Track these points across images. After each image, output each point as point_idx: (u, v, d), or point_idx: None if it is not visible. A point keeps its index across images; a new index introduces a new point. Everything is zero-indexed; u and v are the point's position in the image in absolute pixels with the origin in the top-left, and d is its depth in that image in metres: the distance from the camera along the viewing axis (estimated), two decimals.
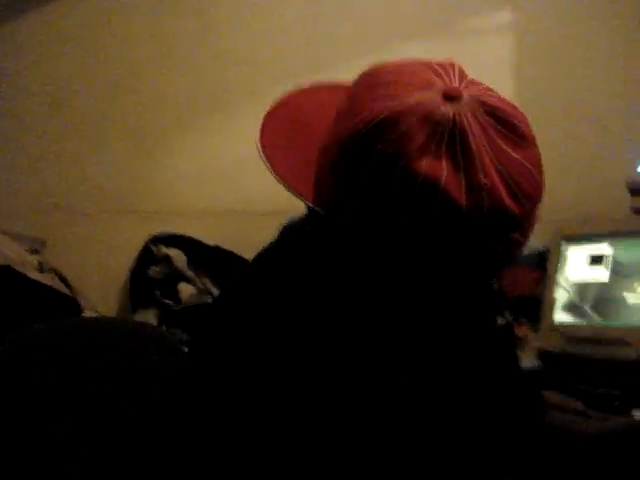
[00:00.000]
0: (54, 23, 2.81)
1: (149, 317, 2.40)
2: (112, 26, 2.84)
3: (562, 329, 2.26)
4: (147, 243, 2.64)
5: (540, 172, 0.93)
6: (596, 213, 2.70)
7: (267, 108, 2.76)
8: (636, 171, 2.46)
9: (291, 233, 1.10)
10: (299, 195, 0.95)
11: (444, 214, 0.82)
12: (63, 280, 2.56)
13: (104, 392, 1.29)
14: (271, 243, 1.12)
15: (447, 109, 0.86)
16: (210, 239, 2.67)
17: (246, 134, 2.99)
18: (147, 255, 2.62)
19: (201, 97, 2.86)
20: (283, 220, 2.75)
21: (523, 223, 0.89)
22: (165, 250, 2.59)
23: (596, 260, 2.26)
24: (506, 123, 0.88)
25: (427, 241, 0.85)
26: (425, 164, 0.82)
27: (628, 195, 2.44)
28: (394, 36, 2.91)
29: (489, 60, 2.91)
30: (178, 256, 2.57)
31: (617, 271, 2.19)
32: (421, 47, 2.91)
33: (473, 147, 0.83)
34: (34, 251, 2.61)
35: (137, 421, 1.10)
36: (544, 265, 2.49)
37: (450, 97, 0.88)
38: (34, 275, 2.40)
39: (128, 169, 2.81)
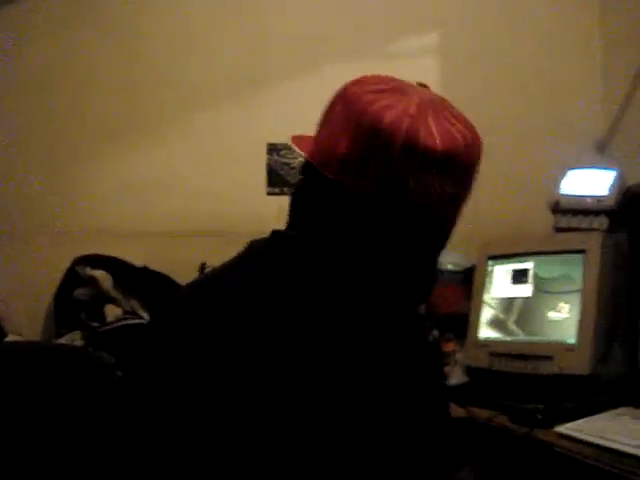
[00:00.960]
0: None
1: (75, 339, 2.35)
2: (42, 41, 2.79)
3: (487, 345, 2.31)
4: (72, 264, 2.60)
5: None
6: (520, 232, 2.76)
7: (192, 131, 2.77)
8: (558, 191, 2.53)
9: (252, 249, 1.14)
10: None
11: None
12: None
13: (23, 417, 1.26)
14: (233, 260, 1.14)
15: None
16: (136, 260, 2.64)
17: (171, 155, 3.01)
18: (72, 276, 2.57)
19: (126, 117, 2.83)
20: (208, 241, 2.76)
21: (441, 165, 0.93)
22: (91, 271, 2.54)
23: (520, 277, 2.31)
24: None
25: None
26: None
27: (551, 214, 2.51)
28: (324, 57, 2.94)
29: (416, 80, 2.97)
30: (104, 277, 2.53)
31: (540, 288, 2.24)
32: (351, 68, 2.94)
33: None
34: None
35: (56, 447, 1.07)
36: (470, 282, 2.54)
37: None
38: None
39: (51, 189, 2.75)
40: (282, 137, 2.86)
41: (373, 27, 2.99)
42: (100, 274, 2.53)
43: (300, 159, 2.85)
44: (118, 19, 2.85)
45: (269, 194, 2.85)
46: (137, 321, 2.30)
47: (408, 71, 2.97)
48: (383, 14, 2.98)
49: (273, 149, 2.87)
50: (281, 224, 2.81)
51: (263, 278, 0.99)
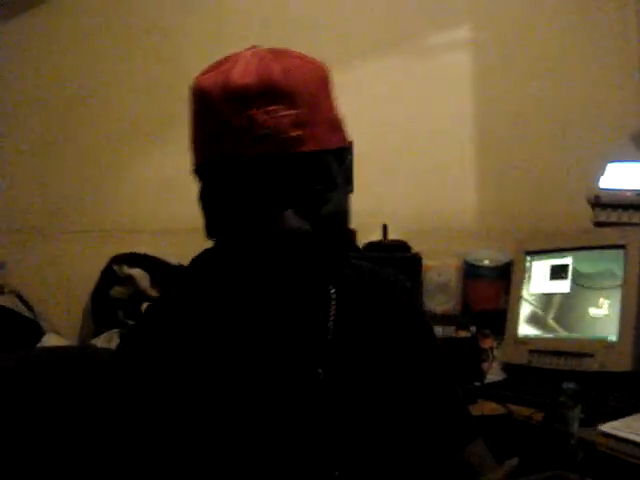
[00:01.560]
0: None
1: (113, 338, 2.37)
2: (74, 45, 2.82)
3: (526, 341, 2.28)
4: (109, 263, 2.61)
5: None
6: (559, 226, 2.73)
7: None
8: (597, 185, 2.49)
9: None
10: None
11: None
12: (24, 302, 2.52)
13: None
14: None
15: None
16: (171, 257, 2.64)
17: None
18: (110, 275, 2.59)
19: (158, 115, 2.83)
20: None
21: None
22: (128, 270, 2.56)
23: (559, 273, 2.28)
24: None
25: None
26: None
27: (590, 208, 2.47)
28: (356, 52, 2.93)
29: (449, 75, 2.95)
30: (141, 276, 2.54)
31: (579, 283, 2.21)
32: (382, 63, 2.93)
33: None
34: None
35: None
36: (508, 278, 2.51)
37: None
38: None
39: (87, 188, 2.77)
40: None
41: (405, 21, 2.96)
42: (137, 272, 2.55)
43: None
44: (157, 19, 2.87)
45: None
46: None
47: (441, 65, 2.99)
48: (415, 7, 2.95)
49: None
50: None
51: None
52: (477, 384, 2.16)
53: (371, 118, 2.88)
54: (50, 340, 2.33)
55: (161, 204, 2.79)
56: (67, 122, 2.80)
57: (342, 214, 0.99)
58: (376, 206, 2.83)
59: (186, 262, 2.63)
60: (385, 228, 2.73)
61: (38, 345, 2.28)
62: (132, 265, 2.58)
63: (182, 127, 2.86)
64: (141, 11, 2.86)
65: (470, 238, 2.89)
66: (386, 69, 2.94)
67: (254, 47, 1.00)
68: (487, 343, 2.42)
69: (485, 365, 2.30)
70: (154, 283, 2.55)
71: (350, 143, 1.03)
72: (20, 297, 2.53)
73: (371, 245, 2.71)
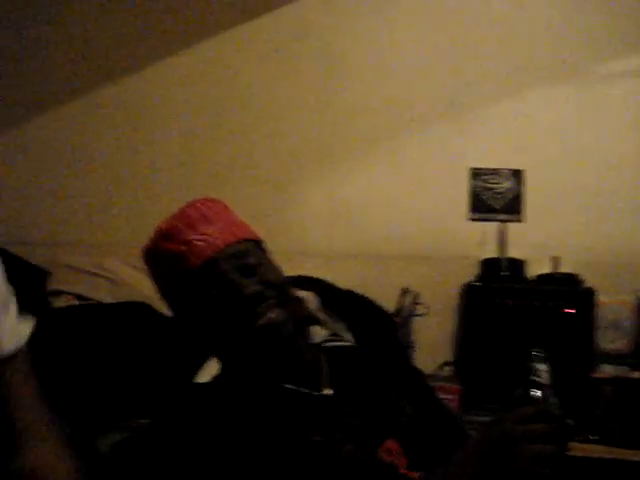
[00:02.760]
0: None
1: None
2: (244, 74, 2.95)
3: None
4: None
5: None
6: None
7: (397, 153, 2.79)
8: None
9: None
10: None
11: None
12: None
13: None
14: None
15: None
16: (339, 281, 2.68)
17: (375, 179, 3.06)
18: None
19: (332, 142, 2.91)
20: (410, 264, 2.78)
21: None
22: (297, 292, 2.60)
23: None
24: None
25: None
26: None
27: None
28: (523, 80, 2.88)
29: (620, 105, 2.84)
30: (311, 298, 2.58)
31: None
32: (551, 94, 2.87)
33: None
34: None
35: None
36: None
37: None
38: (169, 312, 2.48)
39: (262, 210, 2.87)
40: (486, 162, 2.82)
41: (577, 48, 2.88)
42: (307, 295, 2.59)
43: (505, 185, 2.79)
44: (323, 45, 2.95)
45: (471, 219, 2.80)
46: (343, 343, 2.33)
47: (612, 95, 2.88)
48: (584, 37, 2.86)
49: (477, 174, 2.82)
50: (484, 251, 2.78)
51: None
52: None
53: (541, 148, 2.83)
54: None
55: (331, 229, 2.85)
56: (244, 148, 2.92)
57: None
58: (546, 238, 2.76)
59: (353, 286, 2.69)
60: (556, 260, 2.65)
61: (208, 360, 2.37)
62: (302, 287, 2.63)
63: (352, 155, 2.95)
64: (313, 36, 2.95)
65: None
66: (555, 99, 2.87)
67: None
68: None
69: None
70: (323, 306, 2.58)
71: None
72: None
73: (541, 277, 2.64)
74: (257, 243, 1.24)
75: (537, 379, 1.02)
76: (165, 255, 1.17)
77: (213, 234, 1.16)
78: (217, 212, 1.21)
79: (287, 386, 1.13)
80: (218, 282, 1.12)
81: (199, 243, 1.15)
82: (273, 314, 1.11)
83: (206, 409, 1.14)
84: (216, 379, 1.25)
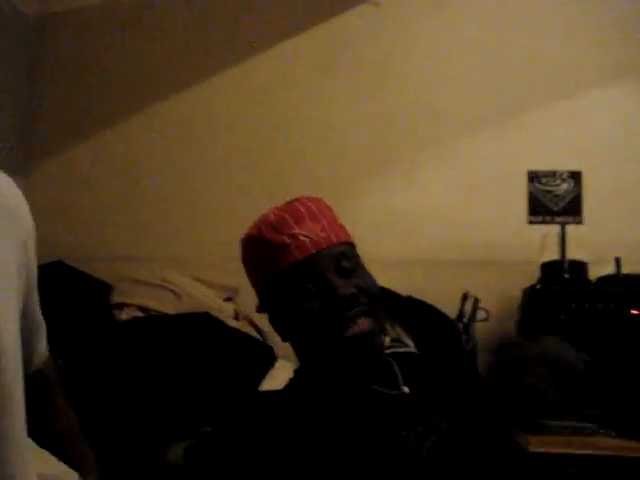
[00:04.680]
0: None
1: None
2: (297, 90, 2.99)
3: None
4: None
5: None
6: None
7: (452, 160, 2.79)
8: None
9: None
10: None
11: None
12: (255, 327, 2.65)
13: None
14: None
15: None
16: (399, 288, 2.68)
17: (433, 185, 3.05)
18: None
19: (387, 153, 2.93)
20: (469, 270, 2.77)
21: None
22: None
23: None
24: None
25: None
26: None
27: None
28: (578, 80, 2.86)
29: None
30: None
31: None
32: (607, 93, 2.84)
33: None
34: (228, 299, 2.73)
35: None
36: None
37: None
38: (232, 323, 2.51)
39: None
40: (543, 164, 2.80)
41: (633, 46, 2.85)
42: None
43: (563, 186, 2.77)
44: (376, 57, 2.98)
45: (531, 223, 2.78)
46: (404, 349, 2.33)
47: None
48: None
49: (534, 176, 2.80)
50: (545, 255, 2.76)
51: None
52: None
53: (598, 149, 2.80)
54: (282, 365, 2.42)
55: (390, 236, 2.85)
56: (295, 158, 2.96)
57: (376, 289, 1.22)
58: (607, 239, 2.72)
59: (413, 293, 2.68)
60: (618, 261, 2.60)
61: (271, 369, 2.39)
62: None
63: (405, 163, 2.95)
64: (366, 48, 2.99)
65: None
66: (611, 99, 2.84)
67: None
68: None
69: None
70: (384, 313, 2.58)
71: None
72: (252, 322, 2.66)
73: (604, 279, 2.60)
74: (353, 247, 1.26)
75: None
76: (269, 244, 1.20)
77: (317, 232, 1.20)
78: (322, 210, 1.25)
79: (374, 387, 1.16)
80: (315, 278, 1.15)
81: (304, 239, 1.18)
82: (365, 324, 1.13)
83: (283, 411, 1.15)
84: (291, 384, 1.26)
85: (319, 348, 1.15)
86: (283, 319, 1.21)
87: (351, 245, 1.25)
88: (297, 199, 1.26)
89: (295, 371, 1.27)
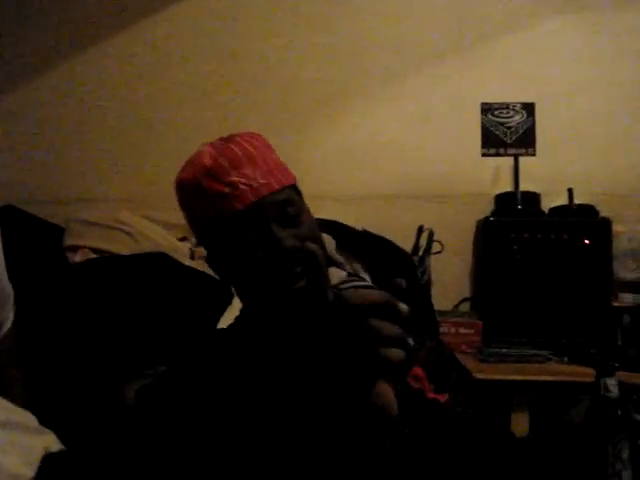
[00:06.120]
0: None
1: None
2: (255, 24, 2.93)
3: None
4: None
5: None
6: None
7: (407, 93, 2.77)
8: None
9: None
10: None
11: None
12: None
13: None
14: None
15: None
16: (354, 223, 2.68)
17: (385, 119, 3.03)
18: None
19: (344, 85, 2.90)
20: (424, 203, 2.78)
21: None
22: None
23: None
24: None
25: None
26: None
27: None
28: (531, 11, 2.85)
29: (628, 33, 2.81)
30: (328, 241, 2.58)
31: None
32: (570, 19, 2.83)
33: None
34: (183, 238, 2.71)
35: None
36: None
37: None
38: (187, 262, 2.50)
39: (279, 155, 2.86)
40: (496, 96, 2.80)
41: None
42: (324, 237, 2.59)
43: (516, 118, 2.77)
44: None
45: (484, 155, 2.79)
46: (362, 283, 2.35)
47: (630, 19, 2.83)
48: None
49: (487, 109, 2.80)
50: (498, 187, 2.78)
51: None
52: None
53: (552, 80, 2.80)
54: (238, 303, 2.41)
55: (344, 171, 2.85)
56: (254, 94, 2.92)
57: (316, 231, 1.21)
58: (560, 170, 2.75)
59: (368, 227, 2.69)
60: (571, 192, 2.63)
61: (229, 307, 2.39)
62: (319, 230, 2.63)
63: (363, 97, 2.92)
64: None
65: None
66: (564, 29, 2.84)
67: (204, 144, 1.22)
68: None
69: None
70: (340, 248, 2.59)
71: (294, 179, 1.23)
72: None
73: (556, 209, 2.63)
74: (296, 189, 1.21)
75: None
76: (207, 194, 1.14)
77: (257, 178, 1.15)
78: (260, 151, 1.19)
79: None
80: (257, 229, 1.12)
81: (243, 187, 1.13)
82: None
83: (227, 347, 1.15)
84: (237, 322, 1.26)
85: (263, 299, 1.13)
86: (224, 266, 1.19)
87: (294, 187, 1.21)
88: (232, 138, 1.20)
89: (241, 310, 1.26)
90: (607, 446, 1.17)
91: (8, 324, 1.24)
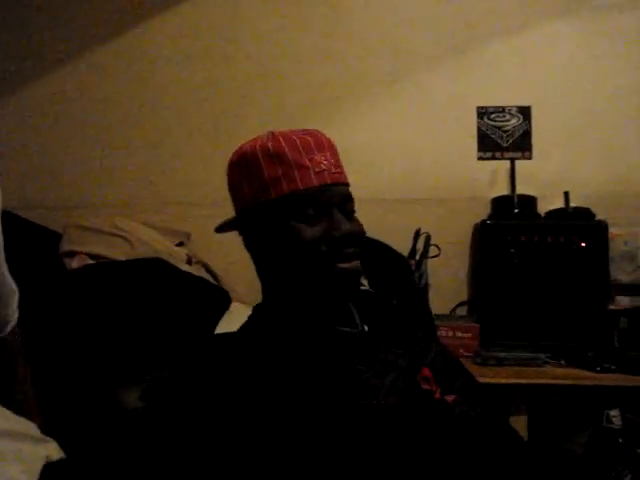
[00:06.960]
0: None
1: None
2: (251, 24, 2.93)
3: None
4: None
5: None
6: None
7: (403, 97, 2.75)
8: None
9: None
10: None
11: None
12: (210, 272, 2.64)
13: None
14: None
15: None
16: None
17: (382, 124, 3.03)
18: None
19: (340, 89, 2.90)
20: (421, 206, 2.78)
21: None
22: None
23: None
24: None
25: None
26: None
27: None
28: (526, 15, 2.85)
29: (622, 36, 2.81)
30: None
31: None
32: (564, 26, 2.83)
33: None
34: (180, 244, 2.71)
35: None
36: None
37: None
38: (185, 267, 2.50)
39: None
40: (492, 100, 2.81)
41: None
42: None
43: (512, 122, 2.78)
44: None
45: (480, 159, 2.80)
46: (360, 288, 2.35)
47: (624, 22, 2.84)
48: None
49: (483, 112, 2.81)
50: (495, 190, 2.78)
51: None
52: None
53: (547, 84, 2.81)
54: (237, 309, 2.42)
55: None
56: (249, 95, 2.92)
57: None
58: (557, 173, 2.76)
59: (366, 231, 2.67)
60: (567, 195, 2.64)
61: (226, 312, 2.39)
62: None
63: (358, 100, 2.91)
64: None
65: None
66: (559, 33, 2.84)
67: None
68: None
69: None
70: None
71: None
72: (206, 267, 2.65)
73: (553, 213, 2.64)
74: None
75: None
76: (287, 161, 1.18)
77: (335, 165, 1.20)
78: (334, 148, 1.24)
79: (337, 326, 1.18)
80: (322, 207, 1.16)
81: (324, 167, 1.18)
82: (358, 264, 1.16)
83: (244, 348, 1.14)
84: (250, 320, 1.25)
85: (308, 275, 1.15)
86: (269, 239, 1.20)
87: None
88: (306, 129, 1.26)
89: (255, 307, 1.26)
90: (609, 477, 1.17)
91: (15, 319, 1.24)
